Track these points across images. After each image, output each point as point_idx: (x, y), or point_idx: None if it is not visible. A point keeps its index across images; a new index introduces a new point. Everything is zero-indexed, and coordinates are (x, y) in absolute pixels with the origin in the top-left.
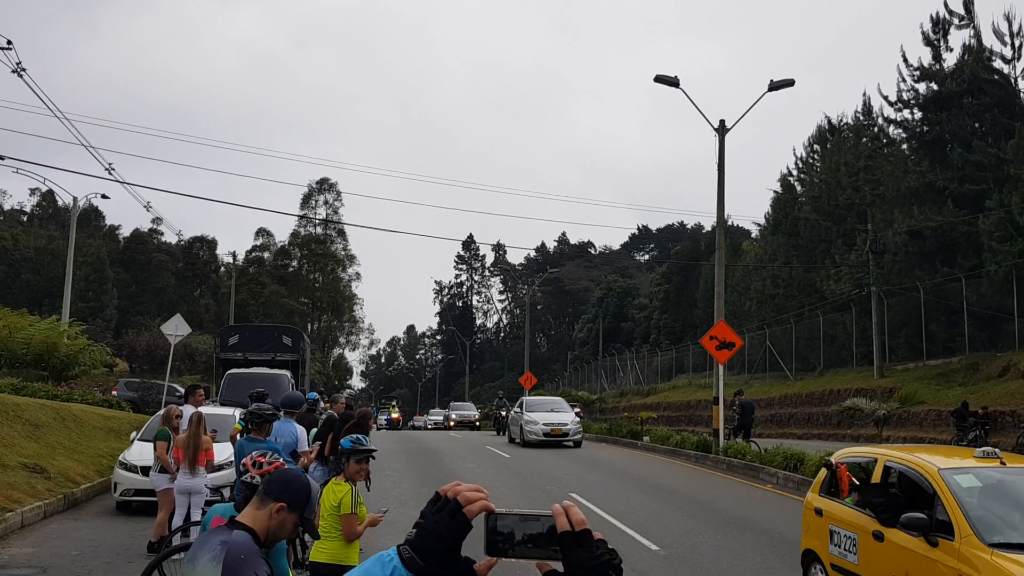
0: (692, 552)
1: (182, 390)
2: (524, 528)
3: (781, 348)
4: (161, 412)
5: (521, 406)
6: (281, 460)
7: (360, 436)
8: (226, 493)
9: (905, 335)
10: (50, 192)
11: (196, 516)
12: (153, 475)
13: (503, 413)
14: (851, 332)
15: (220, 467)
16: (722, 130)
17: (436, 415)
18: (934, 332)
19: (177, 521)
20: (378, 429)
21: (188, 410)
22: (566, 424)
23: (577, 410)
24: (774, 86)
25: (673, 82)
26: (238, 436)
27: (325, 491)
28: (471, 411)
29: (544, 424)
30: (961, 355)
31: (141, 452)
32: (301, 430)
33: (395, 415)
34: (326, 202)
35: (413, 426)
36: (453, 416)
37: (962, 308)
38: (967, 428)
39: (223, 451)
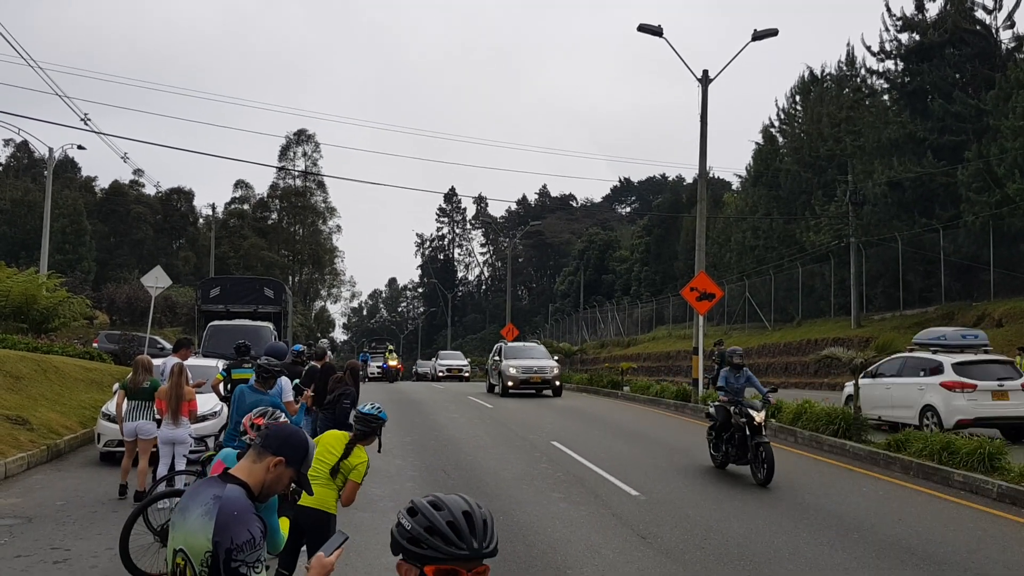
0: (671, 497)
1: (163, 342)
2: None
3: (760, 299)
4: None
5: (500, 353)
6: (285, 419)
7: (376, 412)
8: (210, 443)
9: (883, 285)
10: (25, 143)
11: (180, 466)
12: (143, 423)
13: None
14: (829, 283)
15: (204, 417)
16: (705, 80)
17: (423, 366)
18: (911, 282)
19: (161, 471)
20: (368, 380)
21: (171, 362)
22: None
23: (556, 358)
24: (758, 35)
25: (656, 31)
26: (220, 386)
27: (331, 440)
28: (460, 360)
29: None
30: (937, 305)
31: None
32: (285, 381)
33: (392, 362)
34: (305, 154)
35: (417, 374)
36: (440, 367)
37: (939, 259)
38: None
39: (206, 402)
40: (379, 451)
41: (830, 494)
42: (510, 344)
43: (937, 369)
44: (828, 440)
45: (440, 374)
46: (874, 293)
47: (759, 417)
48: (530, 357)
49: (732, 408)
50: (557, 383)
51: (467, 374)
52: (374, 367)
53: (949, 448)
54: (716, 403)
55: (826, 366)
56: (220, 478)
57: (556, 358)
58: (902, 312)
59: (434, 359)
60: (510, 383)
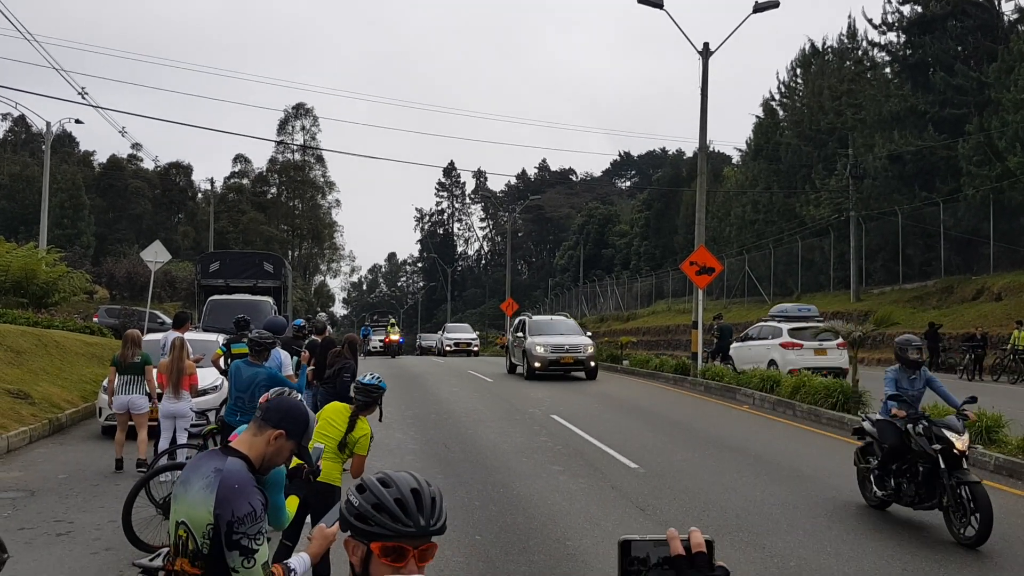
0: (670, 469)
1: (164, 317)
2: (658, 552)
3: (760, 273)
4: (155, 338)
5: (522, 329)
6: (301, 398)
7: (376, 382)
8: (211, 417)
9: (882, 259)
10: (22, 117)
11: (182, 439)
12: (136, 397)
13: None
14: (829, 257)
15: (204, 391)
16: (706, 53)
17: (427, 339)
18: (910, 256)
19: (162, 445)
20: (367, 355)
21: (171, 336)
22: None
23: (590, 334)
24: (759, 7)
25: (657, 3)
26: (220, 361)
27: (333, 413)
28: (468, 334)
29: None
30: (936, 278)
31: None
32: (285, 355)
33: (395, 336)
34: (303, 128)
35: (421, 347)
36: (447, 341)
37: (939, 232)
38: (936, 351)
39: (207, 376)
40: (380, 420)
41: (828, 466)
42: (536, 318)
43: (778, 333)
44: (827, 413)
45: (447, 348)
46: (873, 267)
47: (961, 443)
48: (559, 333)
49: (912, 427)
50: (592, 363)
51: (476, 348)
52: (376, 341)
53: None
54: (878, 417)
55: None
56: (221, 451)
57: (589, 334)
58: (901, 286)
59: (440, 332)
60: (537, 364)
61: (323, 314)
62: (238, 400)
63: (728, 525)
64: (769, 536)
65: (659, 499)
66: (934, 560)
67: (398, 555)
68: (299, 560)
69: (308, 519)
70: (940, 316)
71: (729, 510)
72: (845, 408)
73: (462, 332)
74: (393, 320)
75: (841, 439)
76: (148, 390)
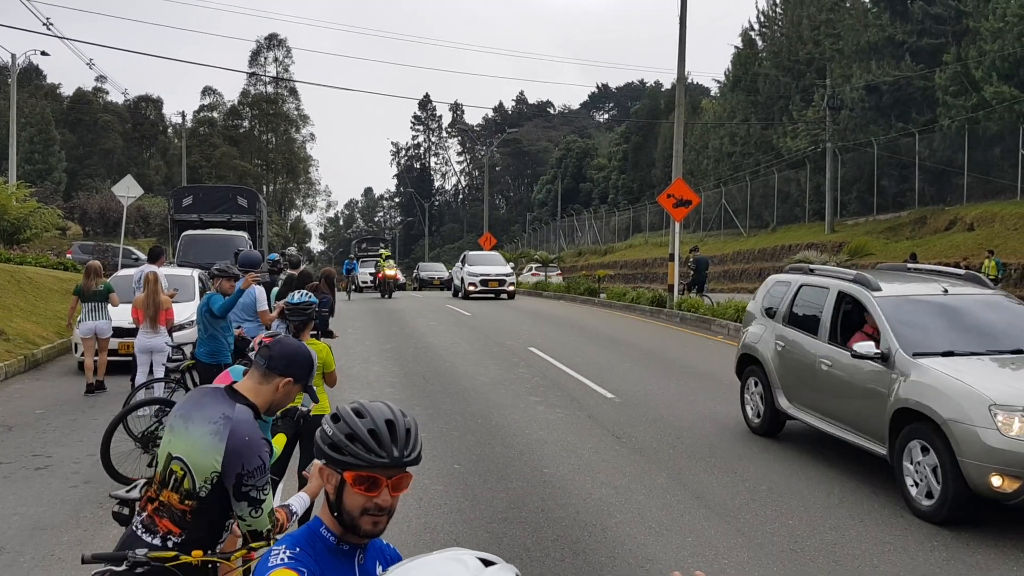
0: (645, 399)
1: (138, 252)
2: None
3: (736, 206)
4: (128, 273)
5: (463, 261)
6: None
7: (307, 299)
8: (187, 351)
9: (857, 190)
10: None
11: (159, 373)
12: (103, 322)
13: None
14: (805, 189)
15: (181, 326)
16: None
17: (429, 271)
18: (885, 187)
19: (139, 379)
20: (353, 292)
21: (146, 269)
22: (501, 276)
23: (512, 266)
24: None
25: None
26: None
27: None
28: (501, 267)
29: (481, 277)
30: (911, 209)
31: None
32: (260, 290)
33: (390, 272)
34: (276, 59)
35: (420, 280)
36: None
37: (914, 163)
38: None
39: (183, 311)
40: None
41: None
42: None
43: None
44: None
45: (470, 288)
46: (848, 198)
47: None
48: (489, 264)
49: None
50: (511, 288)
51: (512, 288)
52: (365, 275)
53: None
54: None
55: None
56: (228, 394)
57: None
58: (875, 217)
59: (461, 264)
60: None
61: (292, 248)
62: (207, 330)
63: (701, 451)
64: (741, 461)
65: (634, 427)
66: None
67: (371, 484)
68: (299, 500)
69: (297, 453)
70: (913, 246)
71: (703, 438)
72: None
73: (491, 264)
74: (387, 252)
75: None
76: (110, 317)
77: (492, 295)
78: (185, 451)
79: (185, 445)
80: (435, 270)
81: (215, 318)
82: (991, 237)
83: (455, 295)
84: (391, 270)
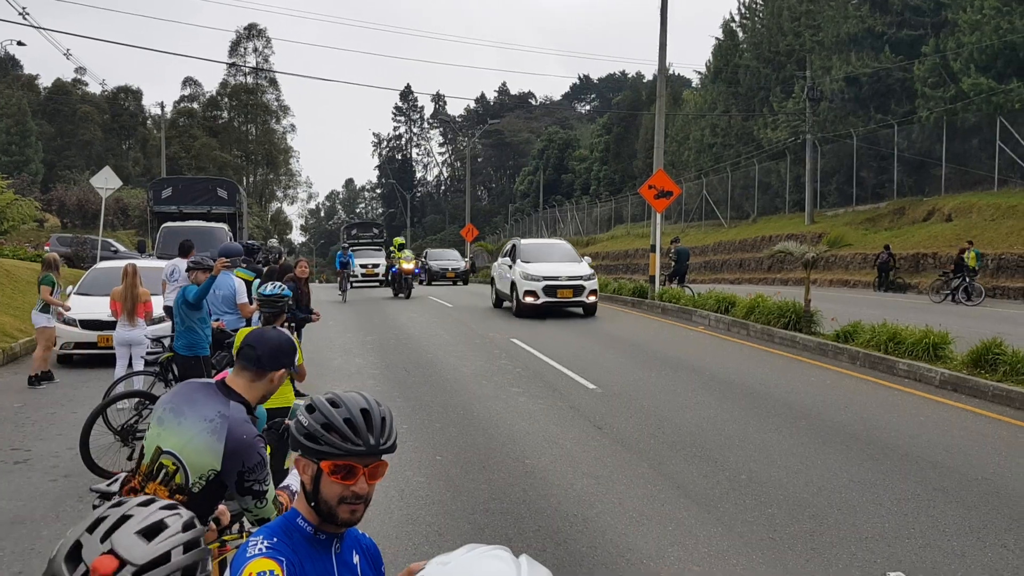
0: (627, 389)
1: (117, 245)
2: None
3: (717, 197)
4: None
5: (511, 254)
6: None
7: (279, 291)
8: (166, 343)
9: (837, 182)
10: None
11: (138, 366)
12: (33, 313)
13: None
14: (785, 180)
15: (160, 319)
16: None
17: (442, 261)
18: (864, 178)
19: (119, 372)
20: (351, 286)
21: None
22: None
23: (588, 260)
24: None
25: None
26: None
27: None
28: (456, 261)
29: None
30: (889, 200)
31: (79, 306)
32: (239, 281)
33: (407, 264)
34: (255, 50)
35: (431, 272)
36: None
37: (892, 155)
38: (889, 269)
39: (162, 303)
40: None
41: (779, 384)
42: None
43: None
44: (779, 332)
45: (528, 300)
46: (828, 189)
47: None
48: (555, 259)
49: None
50: (592, 298)
51: (594, 299)
52: (366, 265)
53: (895, 338)
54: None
55: (779, 261)
56: (220, 389)
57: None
58: (854, 208)
59: (510, 261)
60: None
61: (274, 240)
62: (184, 321)
63: (682, 441)
64: (721, 451)
65: (616, 418)
66: (879, 472)
67: (348, 473)
68: (294, 478)
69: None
70: (892, 237)
71: (683, 427)
72: (797, 328)
73: (558, 258)
74: (400, 238)
75: (793, 357)
76: (45, 309)
77: (565, 306)
78: (178, 446)
79: (178, 440)
80: (449, 258)
81: (192, 309)
82: (968, 228)
83: (497, 305)
84: (409, 263)
